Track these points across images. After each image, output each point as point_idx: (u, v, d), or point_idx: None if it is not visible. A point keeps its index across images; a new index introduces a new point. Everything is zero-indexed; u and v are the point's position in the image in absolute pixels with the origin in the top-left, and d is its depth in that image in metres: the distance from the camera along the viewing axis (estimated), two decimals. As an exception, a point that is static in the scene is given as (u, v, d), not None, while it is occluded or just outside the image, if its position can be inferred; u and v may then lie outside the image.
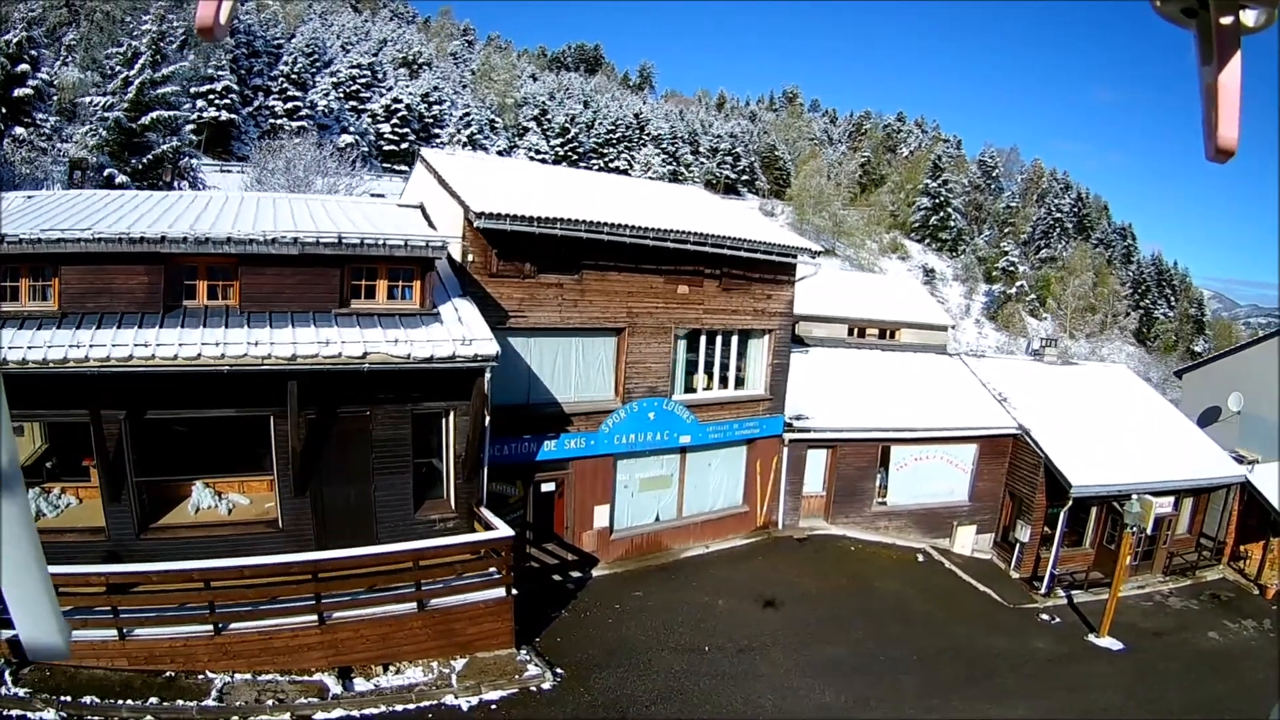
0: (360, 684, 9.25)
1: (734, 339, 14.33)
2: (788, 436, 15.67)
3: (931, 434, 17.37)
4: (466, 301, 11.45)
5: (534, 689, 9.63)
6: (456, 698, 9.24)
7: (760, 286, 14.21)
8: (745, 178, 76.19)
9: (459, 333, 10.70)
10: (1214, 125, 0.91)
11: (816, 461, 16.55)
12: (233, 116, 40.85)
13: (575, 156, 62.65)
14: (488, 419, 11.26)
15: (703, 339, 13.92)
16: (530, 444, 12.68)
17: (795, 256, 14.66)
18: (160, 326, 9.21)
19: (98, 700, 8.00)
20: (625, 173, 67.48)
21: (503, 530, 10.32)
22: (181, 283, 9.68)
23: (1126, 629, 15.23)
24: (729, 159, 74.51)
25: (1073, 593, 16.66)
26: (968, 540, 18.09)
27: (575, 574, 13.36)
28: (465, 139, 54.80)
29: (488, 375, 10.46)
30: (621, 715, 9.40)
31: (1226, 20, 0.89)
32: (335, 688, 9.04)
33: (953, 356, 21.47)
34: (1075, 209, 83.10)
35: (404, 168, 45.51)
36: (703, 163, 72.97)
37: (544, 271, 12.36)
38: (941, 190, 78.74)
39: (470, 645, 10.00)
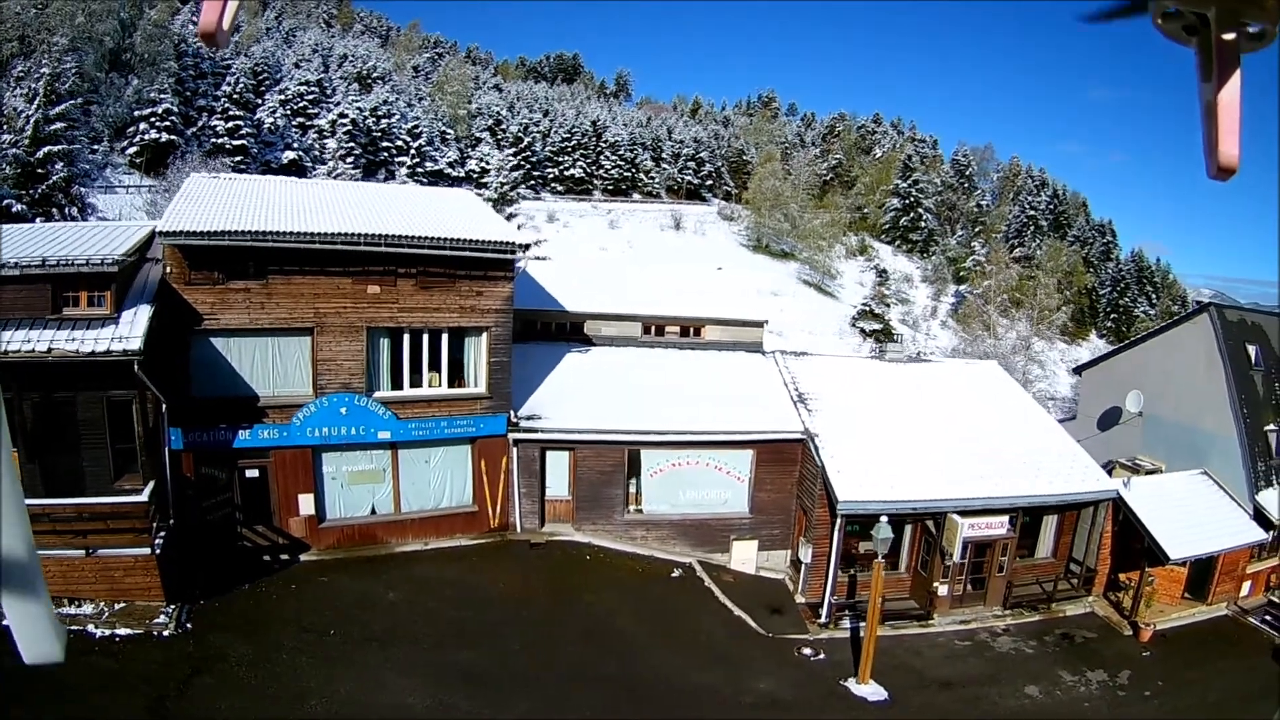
0: (48, 610, 11.80)
1: (444, 337, 14.89)
2: (513, 436, 15.57)
3: (687, 438, 16.36)
4: (146, 307, 12.89)
5: (154, 634, 11.32)
6: (96, 629, 11.22)
7: (467, 284, 14.73)
8: (709, 183, 76.76)
9: (123, 332, 12.29)
10: (1214, 143, 0.90)
11: (560, 464, 16.16)
12: (173, 138, 43.18)
13: (529, 165, 64.08)
14: (164, 406, 12.77)
15: (406, 337, 14.66)
16: (227, 432, 13.80)
17: (511, 253, 14.95)
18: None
19: None
20: (585, 181, 68.76)
21: (139, 497, 12.05)
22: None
23: (910, 675, 13.42)
24: (692, 164, 75.16)
25: (862, 624, 14.82)
26: (749, 556, 16.97)
27: (284, 557, 14.35)
28: (414, 151, 56.63)
29: (136, 368, 11.96)
30: (199, 666, 10.50)
31: (1227, 38, 0.89)
32: (22, 608, 11.59)
33: (767, 355, 20.44)
34: (1051, 207, 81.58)
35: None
36: (664, 169, 73.83)
37: (233, 278, 13.51)
38: (912, 191, 78.14)
39: (129, 593, 12.03)
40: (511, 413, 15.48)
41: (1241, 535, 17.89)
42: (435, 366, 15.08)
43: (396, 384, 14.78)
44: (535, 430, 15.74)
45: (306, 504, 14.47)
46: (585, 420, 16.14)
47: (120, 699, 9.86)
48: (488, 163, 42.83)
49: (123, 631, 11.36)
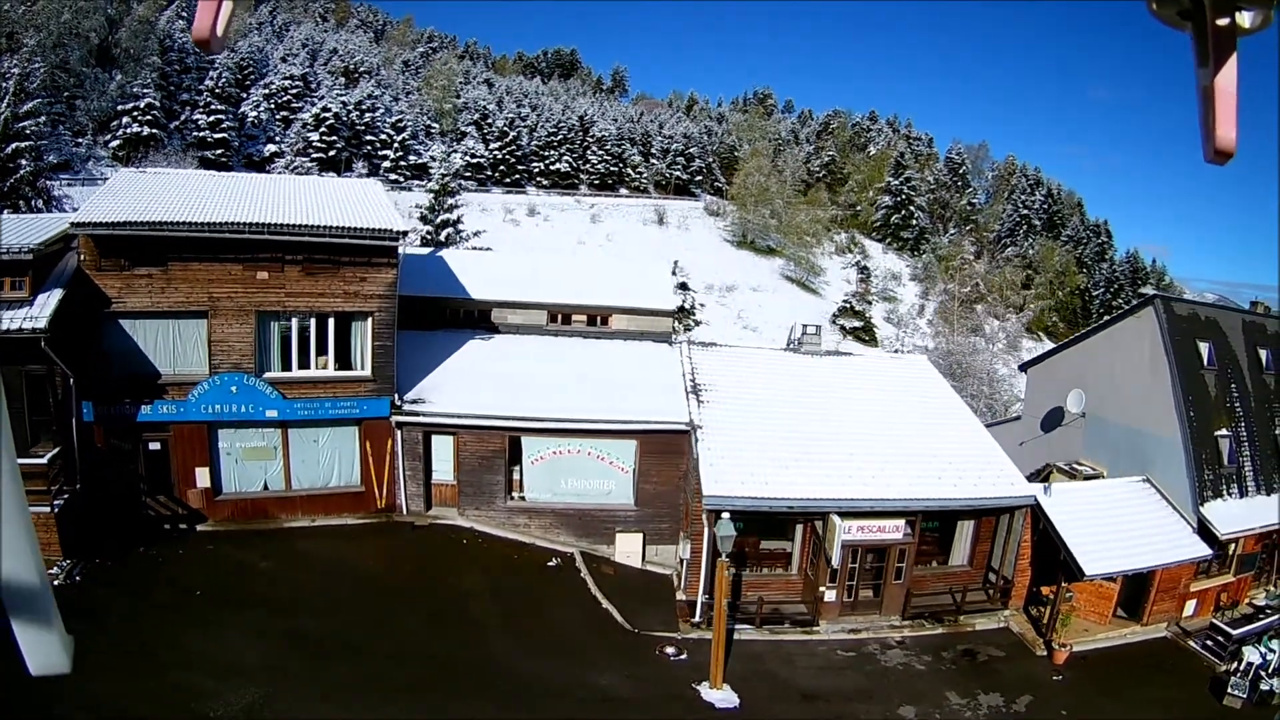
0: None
1: (330, 321, 15.65)
2: (396, 419, 15.75)
3: (567, 425, 16.12)
4: (59, 291, 14.06)
5: (46, 582, 12.52)
6: (-7, 577, 12.59)
7: (351, 270, 15.43)
8: (699, 178, 77.31)
9: (35, 313, 13.57)
10: (1212, 127, 0.91)
11: (446, 449, 16.27)
12: (155, 131, 44.69)
13: (514, 160, 65.10)
14: (71, 380, 13.96)
15: (294, 321, 15.53)
16: (132, 407, 14.90)
17: (392, 240, 15.46)
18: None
19: None
20: (570, 175, 69.64)
21: (40, 460, 13.29)
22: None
23: (774, 684, 12.65)
24: (681, 160, 75.75)
25: (743, 627, 14.32)
26: (634, 549, 16.57)
27: (182, 526, 15.37)
28: (398, 145, 57.85)
29: (43, 344, 13.26)
30: (75, 615, 11.61)
31: (1222, 22, 0.89)
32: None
33: (674, 345, 19.84)
34: (1045, 206, 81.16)
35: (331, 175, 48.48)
36: (653, 164, 74.50)
37: (137, 265, 14.60)
38: (904, 188, 78.19)
39: (29, 548, 13.30)
40: (396, 396, 16.21)
41: (1180, 550, 16.20)
42: (323, 350, 15.98)
43: (286, 365, 15.72)
44: (418, 413, 16.18)
45: (203, 477, 15.50)
46: (467, 405, 16.12)
47: (-6, 636, 11.07)
48: (434, 155, 43.61)
49: (20, 580, 12.70)
